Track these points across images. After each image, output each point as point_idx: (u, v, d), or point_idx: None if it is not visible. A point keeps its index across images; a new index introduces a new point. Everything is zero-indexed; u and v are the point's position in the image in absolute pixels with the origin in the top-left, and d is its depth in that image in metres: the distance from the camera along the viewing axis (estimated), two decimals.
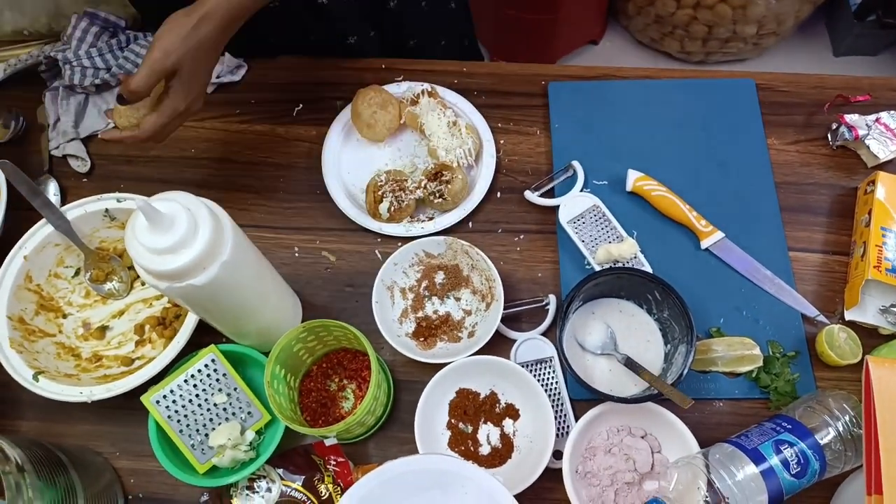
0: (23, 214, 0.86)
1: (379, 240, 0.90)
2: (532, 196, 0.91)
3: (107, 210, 0.86)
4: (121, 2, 1.01)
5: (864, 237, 0.84)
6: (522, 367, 0.79)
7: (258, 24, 0.81)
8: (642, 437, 0.77)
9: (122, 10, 1.01)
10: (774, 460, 0.68)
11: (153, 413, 0.75)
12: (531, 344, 0.83)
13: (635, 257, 0.86)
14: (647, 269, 0.85)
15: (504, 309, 0.81)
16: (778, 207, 0.90)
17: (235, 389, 0.78)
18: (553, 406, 0.77)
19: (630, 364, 0.79)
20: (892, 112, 0.92)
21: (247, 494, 0.77)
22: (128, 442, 0.81)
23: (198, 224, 0.58)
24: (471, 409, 0.79)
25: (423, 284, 0.86)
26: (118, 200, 0.86)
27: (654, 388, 0.75)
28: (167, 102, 0.74)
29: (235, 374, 0.78)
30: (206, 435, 0.76)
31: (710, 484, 0.67)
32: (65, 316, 0.87)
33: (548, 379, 0.82)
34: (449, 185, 0.88)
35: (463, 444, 0.78)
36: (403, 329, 0.84)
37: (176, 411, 0.76)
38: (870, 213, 0.84)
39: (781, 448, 0.69)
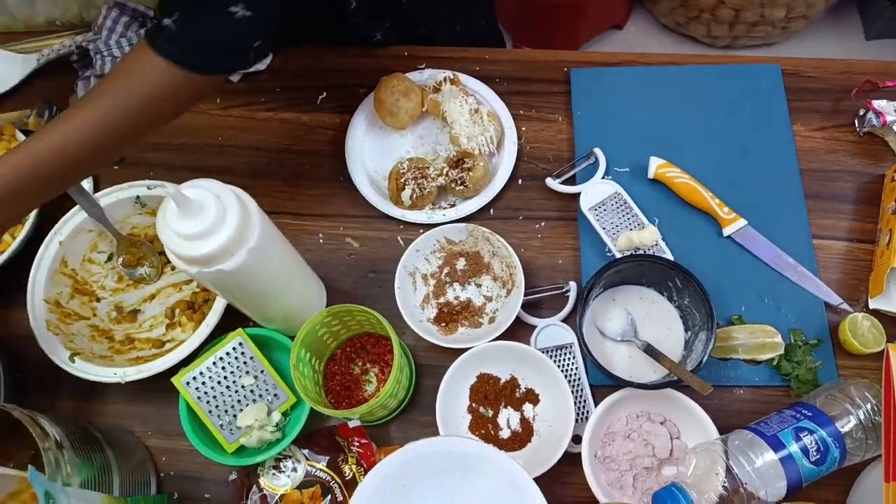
0: (57, 201, 0.89)
1: (401, 227, 0.92)
2: (553, 183, 0.91)
3: (138, 197, 0.89)
4: None
5: (890, 225, 0.83)
6: (542, 352, 0.80)
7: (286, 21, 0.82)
8: (661, 424, 0.78)
9: None
10: (794, 447, 0.68)
11: (183, 394, 0.78)
12: (551, 330, 0.84)
13: (656, 244, 0.86)
14: (669, 256, 0.85)
15: (525, 295, 0.82)
16: (802, 195, 0.89)
17: (262, 372, 0.80)
18: (573, 391, 0.78)
19: (650, 351, 0.79)
20: None
21: (273, 474, 0.79)
22: (159, 422, 0.84)
23: (226, 211, 0.60)
24: (491, 394, 0.81)
25: (445, 271, 0.87)
26: (148, 188, 0.89)
27: (674, 374, 0.75)
28: None
29: (262, 357, 0.80)
30: (234, 416, 0.79)
31: (728, 470, 0.67)
32: (98, 300, 0.90)
33: (568, 365, 0.83)
34: (470, 173, 0.88)
35: (483, 428, 0.80)
36: (425, 314, 0.85)
37: (205, 392, 0.79)
38: None
39: (801, 435, 0.69)
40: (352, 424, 0.77)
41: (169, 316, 0.89)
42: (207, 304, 0.87)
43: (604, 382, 0.81)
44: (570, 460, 0.75)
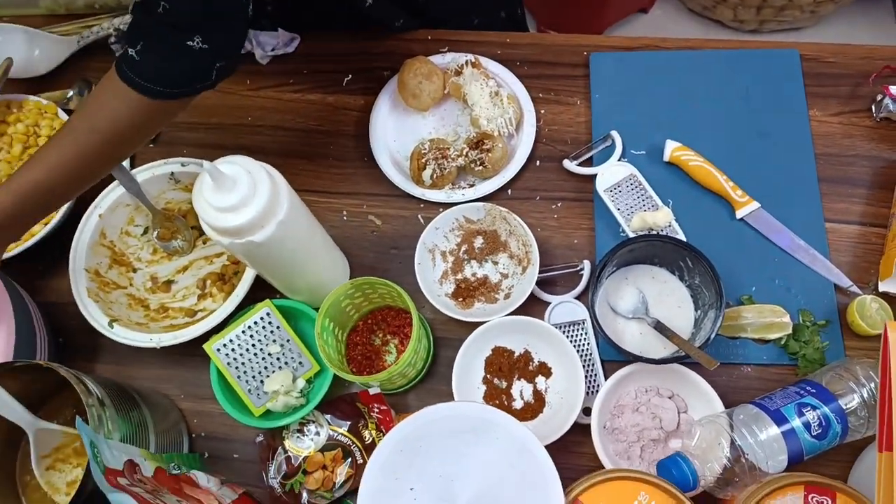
0: None
1: (422, 205, 0.95)
2: (570, 165, 0.93)
3: (172, 173, 0.93)
4: None
5: None
6: (556, 328, 0.83)
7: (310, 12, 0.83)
8: (669, 398, 0.81)
9: None
10: (796, 422, 0.70)
11: (214, 360, 0.83)
12: (565, 307, 0.87)
13: (670, 226, 0.88)
14: (682, 237, 0.88)
15: (539, 273, 0.85)
16: (816, 179, 0.90)
17: (288, 341, 0.85)
18: (584, 366, 0.81)
19: (660, 328, 0.82)
20: None
21: (297, 437, 0.83)
22: (191, 385, 0.89)
23: (257, 185, 0.64)
24: (505, 366, 0.84)
25: (463, 248, 0.90)
26: (182, 164, 0.93)
27: (682, 350, 0.78)
28: None
29: (288, 326, 0.85)
30: (262, 381, 0.83)
31: (732, 442, 0.70)
32: (134, 270, 0.95)
33: (580, 340, 0.86)
34: (490, 154, 0.91)
35: (497, 399, 0.83)
36: (443, 289, 0.89)
37: (234, 359, 0.83)
38: None
39: (804, 411, 0.71)
40: (372, 391, 0.81)
41: (200, 287, 0.93)
42: (237, 276, 0.91)
43: (614, 357, 0.84)
44: (580, 431, 0.78)
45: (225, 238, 0.66)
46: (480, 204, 0.89)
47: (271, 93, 1.05)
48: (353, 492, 0.81)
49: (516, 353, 0.85)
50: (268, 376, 0.83)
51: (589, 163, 0.94)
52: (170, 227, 0.95)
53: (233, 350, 0.83)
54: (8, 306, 0.82)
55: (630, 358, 0.79)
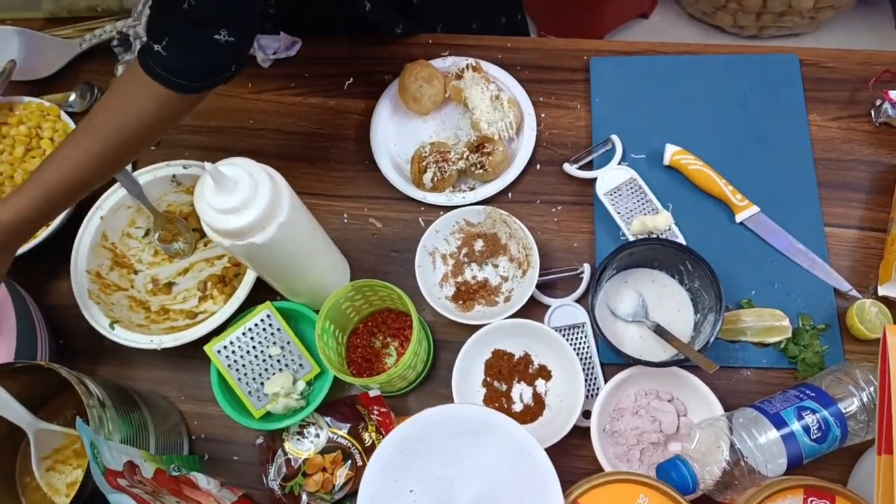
0: None
1: (422, 208, 0.95)
2: (571, 168, 0.94)
3: (174, 176, 0.94)
4: None
5: None
6: (556, 331, 0.83)
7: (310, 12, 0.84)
8: (669, 401, 0.81)
9: None
10: (796, 426, 0.70)
11: (215, 361, 0.83)
12: (565, 310, 0.87)
13: (669, 229, 0.88)
14: (681, 241, 0.88)
15: (540, 276, 0.85)
16: (815, 183, 0.90)
17: (288, 343, 0.85)
18: (584, 369, 0.81)
19: (659, 331, 0.82)
20: None
21: (297, 439, 0.83)
22: (192, 387, 0.89)
23: (258, 187, 0.64)
24: (505, 369, 0.84)
25: (463, 251, 0.91)
26: (184, 167, 0.93)
27: (682, 353, 0.78)
28: None
29: (289, 328, 0.85)
30: (262, 383, 0.83)
31: (731, 446, 0.70)
32: (136, 272, 0.95)
33: (580, 343, 0.86)
34: (490, 157, 0.92)
35: (497, 402, 0.83)
36: (443, 292, 0.89)
37: (235, 361, 0.83)
38: None
39: (803, 414, 0.71)
40: (372, 394, 0.81)
41: (201, 289, 0.93)
42: (238, 279, 0.92)
43: (614, 361, 0.84)
44: (580, 434, 0.79)
45: (226, 240, 0.66)
46: (481, 207, 0.89)
47: (273, 96, 1.05)
48: (353, 494, 0.81)
49: (516, 356, 0.85)
50: (268, 378, 0.84)
51: (589, 166, 0.94)
52: (171, 230, 0.95)
53: (233, 352, 0.83)
54: (10, 308, 0.82)
55: (630, 361, 0.79)
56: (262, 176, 0.65)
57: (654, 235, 0.88)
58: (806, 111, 0.94)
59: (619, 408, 0.81)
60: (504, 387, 0.84)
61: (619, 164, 0.93)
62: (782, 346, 0.83)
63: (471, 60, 0.99)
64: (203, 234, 0.95)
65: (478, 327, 0.83)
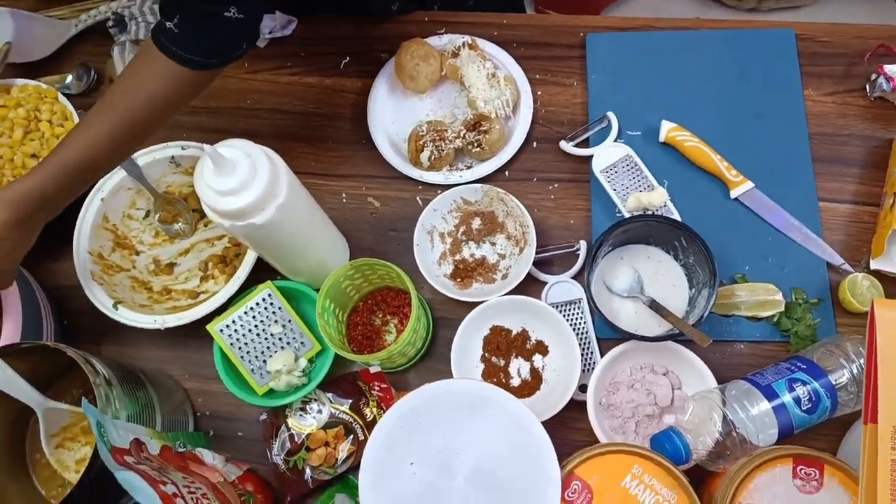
0: None
1: (420, 187, 0.96)
2: (567, 146, 0.94)
3: (173, 157, 0.94)
4: None
5: (894, 188, 0.85)
6: (553, 307, 0.84)
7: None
8: (664, 375, 0.83)
9: None
10: (787, 397, 0.72)
11: (217, 340, 0.84)
12: (561, 286, 0.88)
13: (665, 206, 0.89)
14: (677, 217, 0.89)
15: (536, 253, 0.86)
16: (810, 158, 0.91)
17: (290, 321, 0.86)
18: (580, 344, 0.83)
19: (654, 306, 0.83)
20: None
21: (300, 415, 0.85)
22: (195, 366, 0.91)
23: (257, 169, 0.65)
24: (503, 345, 0.86)
25: (461, 229, 0.92)
26: (182, 148, 0.94)
27: (677, 328, 0.80)
28: None
29: (289, 307, 0.86)
30: (265, 361, 0.85)
31: (724, 417, 0.72)
32: (137, 253, 0.96)
33: (576, 319, 0.87)
34: (487, 135, 0.92)
35: (495, 377, 0.85)
36: (442, 270, 0.90)
37: (237, 339, 0.85)
38: None
39: (794, 386, 0.72)
40: (373, 370, 0.82)
41: (203, 269, 0.95)
42: (238, 259, 0.93)
43: (610, 336, 0.85)
44: (577, 407, 0.80)
45: (226, 221, 0.67)
46: (478, 185, 0.90)
47: (269, 76, 1.05)
48: (355, 468, 0.83)
49: (514, 332, 0.86)
50: (270, 356, 0.85)
51: (585, 144, 0.95)
52: (171, 211, 0.96)
53: (235, 331, 0.85)
54: (15, 290, 0.83)
55: (625, 336, 0.80)
56: (261, 157, 0.66)
57: (650, 212, 0.89)
58: (801, 86, 0.95)
59: (615, 381, 0.83)
60: (502, 362, 0.86)
61: (615, 141, 0.93)
62: (775, 319, 0.84)
63: (467, 38, 0.99)
64: (203, 215, 0.96)
65: (476, 304, 0.84)
